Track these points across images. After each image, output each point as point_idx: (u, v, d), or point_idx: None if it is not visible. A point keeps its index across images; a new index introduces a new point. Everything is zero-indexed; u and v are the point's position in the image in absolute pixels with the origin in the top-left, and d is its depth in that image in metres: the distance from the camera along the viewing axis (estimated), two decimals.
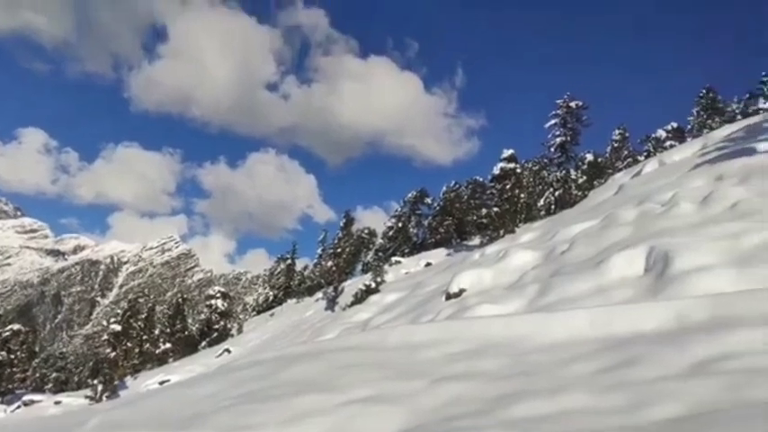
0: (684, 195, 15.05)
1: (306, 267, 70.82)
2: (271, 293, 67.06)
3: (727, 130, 24.55)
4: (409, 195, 61.83)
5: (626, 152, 55.71)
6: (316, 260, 64.63)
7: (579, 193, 39.12)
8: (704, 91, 56.05)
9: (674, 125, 55.59)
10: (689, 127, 55.10)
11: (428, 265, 39.10)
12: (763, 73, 50.85)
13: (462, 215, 51.97)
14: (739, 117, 46.24)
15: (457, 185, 56.36)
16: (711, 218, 12.75)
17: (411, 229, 60.76)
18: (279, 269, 68.47)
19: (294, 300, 58.04)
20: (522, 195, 37.53)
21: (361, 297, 30.51)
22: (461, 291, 15.28)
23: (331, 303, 38.06)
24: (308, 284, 61.58)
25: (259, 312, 64.55)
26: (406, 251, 56.74)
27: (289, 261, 67.97)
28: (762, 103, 46.82)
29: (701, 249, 10.81)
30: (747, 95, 52.81)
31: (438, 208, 56.68)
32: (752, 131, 20.37)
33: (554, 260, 14.64)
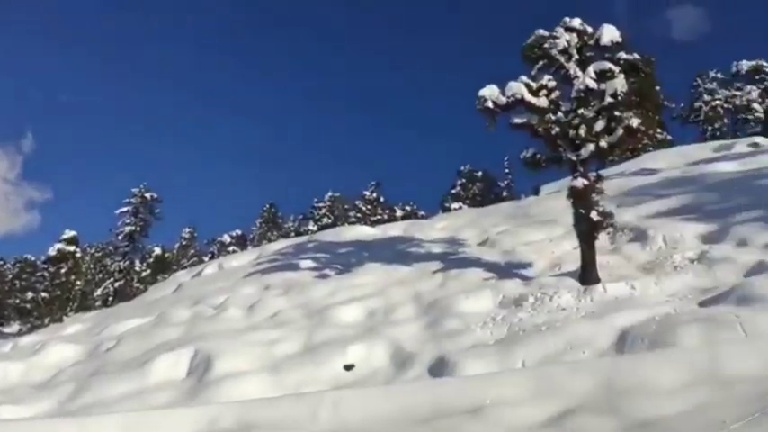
0: (235, 301, 16.06)
1: None
2: None
3: (282, 244, 27.41)
4: None
5: (193, 251, 57.25)
6: None
7: (141, 287, 38.35)
8: (268, 206, 62.13)
9: (239, 232, 59.84)
10: (251, 236, 59.86)
11: None
12: (315, 199, 59.21)
13: (3, 297, 45.48)
14: (293, 234, 52.27)
15: (2, 262, 49.57)
16: (255, 325, 13.83)
17: None
18: None
19: None
20: (79, 282, 35.18)
21: None
22: None
23: None
24: None
25: None
26: None
27: None
28: (311, 225, 54.05)
29: (241, 355, 11.58)
30: (301, 216, 60.52)
31: None
32: (299, 249, 23.19)
33: (98, 357, 13.83)
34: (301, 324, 13.34)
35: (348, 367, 10.70)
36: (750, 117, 49.29)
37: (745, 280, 10.95)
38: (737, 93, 50.55)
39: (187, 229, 59.15)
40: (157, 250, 49.47)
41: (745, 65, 50.75)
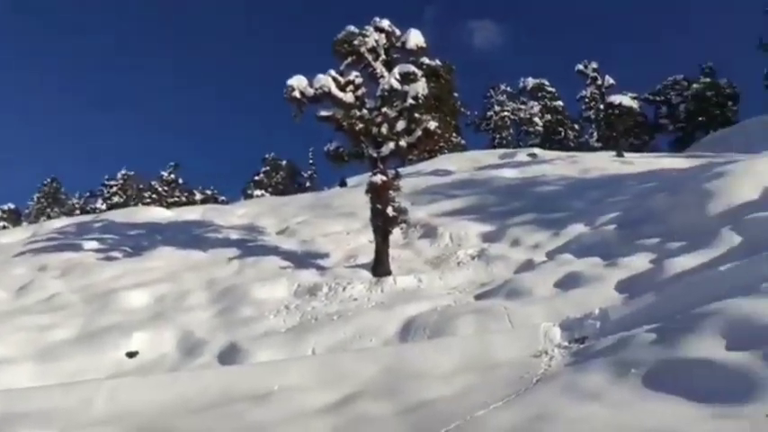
0: (2, 282, 14.41)
1: None
2: None
3: (63, 222, 25.10)
4: None
5: None
6: None
7: None
8: (49, 179, 56.47)
9: (11, 206, 53.72)
10: (27, 211, 54.07)
11: None
12: (106, 176, 54.98)
13: None
14: (78, 212, 48.10)
15: None
16: (25, 308, 12.55)
17: None
18: None
19: None
20: None
21: None
22: None
23: None
24: None
25: None
26: None
27: None
28: (99, 204, 50.18)
29: (8, 340, 10.47)
30: (88, 194, 55.88)
31: None
32: (84, 228, 21.41)
33: None
34: (81, 309, 12.34)
35: (131, 354, 10.13)
36: (532, 129, 54.93)
37: (514, 276, 12.19)
38: (522, 106, 56.09)
39: None
40: None
41: (530, 81, 56.39)
